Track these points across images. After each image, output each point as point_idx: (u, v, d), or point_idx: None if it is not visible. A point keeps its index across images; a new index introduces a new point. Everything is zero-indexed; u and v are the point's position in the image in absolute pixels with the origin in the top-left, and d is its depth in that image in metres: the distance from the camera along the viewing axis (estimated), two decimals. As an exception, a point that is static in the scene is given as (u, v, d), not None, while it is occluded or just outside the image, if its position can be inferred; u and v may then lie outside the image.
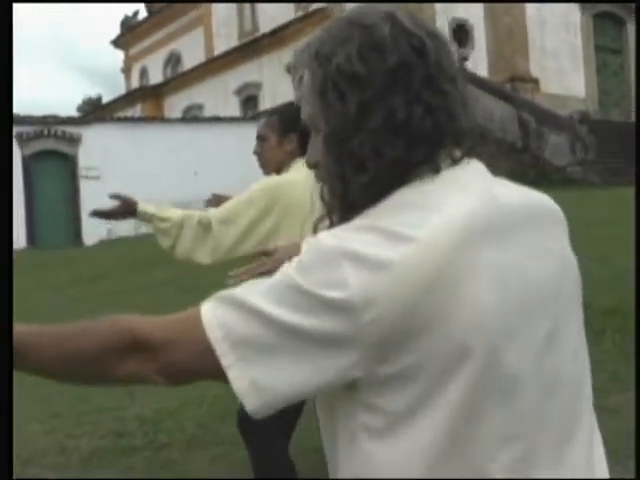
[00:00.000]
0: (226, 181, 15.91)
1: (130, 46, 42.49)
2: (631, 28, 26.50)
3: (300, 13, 28.43)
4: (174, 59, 38.97)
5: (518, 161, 18.26)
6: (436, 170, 1.24)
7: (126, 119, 26.97)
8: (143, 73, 41.69)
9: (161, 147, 23.68)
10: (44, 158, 22.85)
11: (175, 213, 3.45)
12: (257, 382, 1.17)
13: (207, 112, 31.21)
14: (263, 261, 1.72)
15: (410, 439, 1.17)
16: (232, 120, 25.90)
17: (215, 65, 32.63)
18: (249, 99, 31.28)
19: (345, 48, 1.24)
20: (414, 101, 1.23)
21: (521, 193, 1.30)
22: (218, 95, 32.06)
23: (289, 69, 28.44)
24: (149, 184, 20.71)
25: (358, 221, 1.22)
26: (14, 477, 4.46)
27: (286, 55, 28.13)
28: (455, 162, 1.26)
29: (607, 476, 1.32)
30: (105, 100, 42.55)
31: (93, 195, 22.33)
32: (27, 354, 1.24)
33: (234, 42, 33.14)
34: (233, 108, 30.95)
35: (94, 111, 40.14)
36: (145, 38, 40.45)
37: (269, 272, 1.28)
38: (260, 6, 32.52)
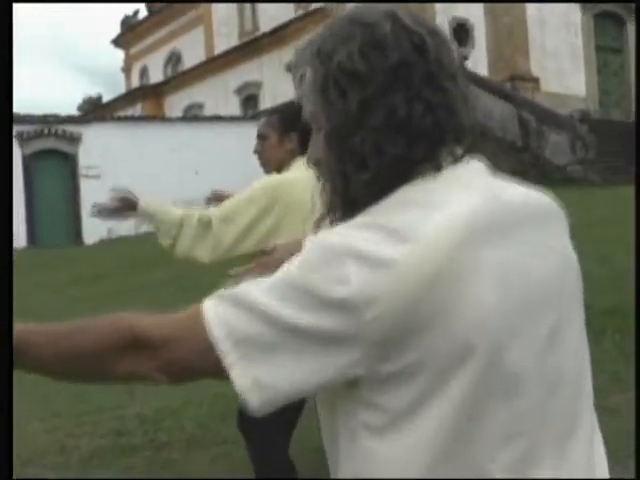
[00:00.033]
0: (227, 180, 15.89)
1: (130, 45, 42.49)
2: (632, 28, 26.49)
3: (300, 12, 28.43)
4: (174, 58, 38.98)
5: (518, 160, 18.25)
6: (438, 168, 1.24)
7: (126, 118, 26.97)
8: (143, 72, 41.69)
9: (161, 146, 23.68)
10: (44, 157, 22.86)
11: (175, 211, 3.45)
12: (259, 380, 1.17)
13: (207, 111, 31.21)
14: (262, 260, 1.72)
15: (411, 437, 1.17)
16: (232, 119, 25.90)
17: (215, 64, 32.63)
18: (249, 98, 31.28)
19: (347, 46, 1.25)
20: (415, 99, 1.23)
21: (522, 191, 1.30)
22: (218, 94, 32.06)
23: (289, 68, 28.44)
24: (149, 183, 20.69)
25: (360, 219, 1.22)
26: (14, 477, 4.45)
27: (286, 54, 28.13)
28: (456, 160, 1.26)
29: (607, 475, 1.32)
30: (105, 99, 42.63)
31: (93, 194, 22.35)
32: (25, 352, 1.24)
33: (234, 41, 33.14)
34: (233, 107, 30.96)
35: (94, 110, 40.15)
36: (145, 37, 40.45)
37: (269, 271, 1.28)
38: (260, 5, 32.53)
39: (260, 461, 3.44)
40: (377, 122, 1.23)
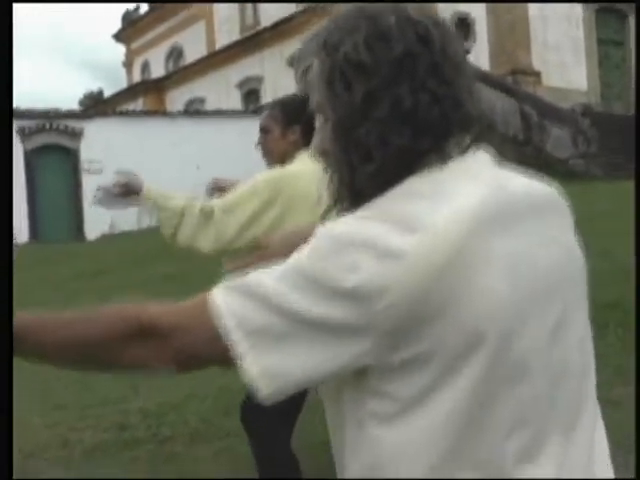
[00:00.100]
0: (228, 174, 15.84)
1: (132, 40, 42.45)
2: (633, 21, 26.43)
3: (301, 7, 28.38)
4: (176, 53, 38.94)
5: (520, 154, 18.24)
6: (445, 159, 1.25)
7: (128, 113, 26.97)
8: (145, 67, 41.65)
9: (163, 141, 23.67)
10: (46, 152, 22.85)
11: (178, 200, 3.43)
12: (269, 369, 1.18)
13: (209, 106, 31.18)
14: (257, 252, 1.71)
15: (422, 425, 1.18)
16: (234, 114, 25.87)
17: (217, 59, 32.60)
18: (251, 93, 31.25)
19: (352, 37, 1.26)
20: (420, 90, 1.24)
21: (527, 182, 1.31)
22: (220, 89, 32.04)
23: (291, 63, 28.42)
24: (151, 178, 20.50)
25: (368, 209, 1.22)
26: (16, 472, 4.46)
27: (288, 49, 28.10)
28: (463, 151, 1.27)
29: (610, 465, 1.33)
30: (107, 94, 42.65)
31: (95, 189, 22.33)
32: (26, 338, 1.25)
33: (236, 36, 33.11)
34: (235, 102, 30.93)
35: (96, 105, 40.11)
36: (147, 32, 40.41)
37: (264, 264, 1.28)
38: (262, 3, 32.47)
39: (263, 456, 3.45)
40: (382, 113, 1.24)
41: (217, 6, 34.95)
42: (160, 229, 3.50)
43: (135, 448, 5.20)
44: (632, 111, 24.18)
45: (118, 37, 43.70)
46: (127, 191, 3.48)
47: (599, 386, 1.35)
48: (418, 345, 1.15)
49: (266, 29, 29.95)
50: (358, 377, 1.21)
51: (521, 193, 1.27)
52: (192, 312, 1.24)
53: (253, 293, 1.20)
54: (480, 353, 1.15)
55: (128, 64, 43.60)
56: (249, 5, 33.52)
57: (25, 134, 22.43)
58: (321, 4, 25.45)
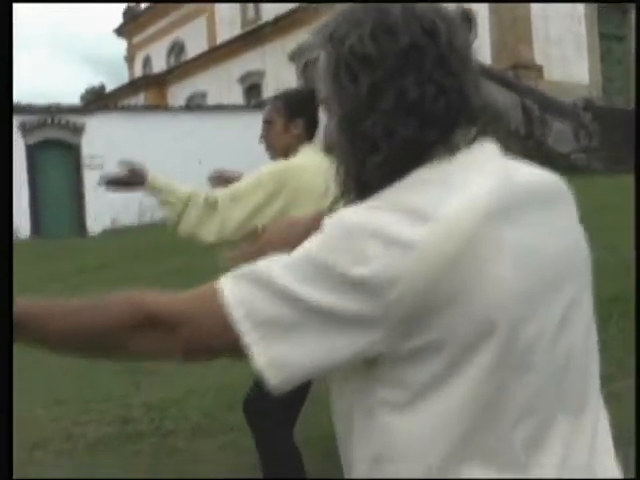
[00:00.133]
0: (230, 169, 15.89)
1: (133, 35, 42.39)
2: (634, 16, 26.36)
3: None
4: (177, 48, 38.89)
5: (522, 148, 18.22)
6: (452, 150, 1.26)
7: (129, 108, 26.95)
8: (146, 62, 41.60)
9: (165, 136, 23.64)
10: (48, 147, 22.84)
11: (182, 189, 3.43)
12: (278, 359, 1.18)
13: (210, 100, 31.16)
14: (254, 243, 1.69)
15: (432, 412, 1.19)
16: (236, 108, 25.85)
17: (218, 53, 32.55)
18: (252, 87, 31.21)
19: (358, 30, 1.27)
20: (426, 81, 1.24)
21: (533, 173, 1.32)
22: (221, 83, 32.00)
23: (292, 57, 28.40)
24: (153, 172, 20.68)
25: (379, 199, 1.23)
26: (21, 464, 4.45)
27: (289, 43, 28.07)
28: (470, 142, 1.28)
29: (613, 456, 1.34)
30: (108, 89, 42.56)
31: (97, 185, 22.32)
32: (30, 325, 1.24)
33: (237, 30, 33.05)
34: (236, 96, 30.89)
35: (97, 100, 40.08)
36: (148, 27, 40.35)
37: (261, 254, 1.29)
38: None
39: (266, 449, 3.46)
40: (388, 105, 1.25)
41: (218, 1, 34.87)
42: (163, 215, 3.50)
43: (138, 442, 5.22)
44: (632, 105, 24.14)
45: (119, 32, 43.64)
46: (132, 177, 3.48)
47: (602, 379, 1.36)
48: (429, 334, 1.16)
49: (267, 23, 29.90)
50: (368, 366, 1.22)
51: (528, 184, 1.28)
52: (200, 302, 1.24)
53: (262, 282, 1.20)
54: (491, 342, 1.16)
55: (130, 59, 43.54)
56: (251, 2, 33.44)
57: (26, 129, 22.41)
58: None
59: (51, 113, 23.06)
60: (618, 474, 1.33)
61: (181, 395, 6.09)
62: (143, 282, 1.33)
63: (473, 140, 1.28)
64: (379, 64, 1.25)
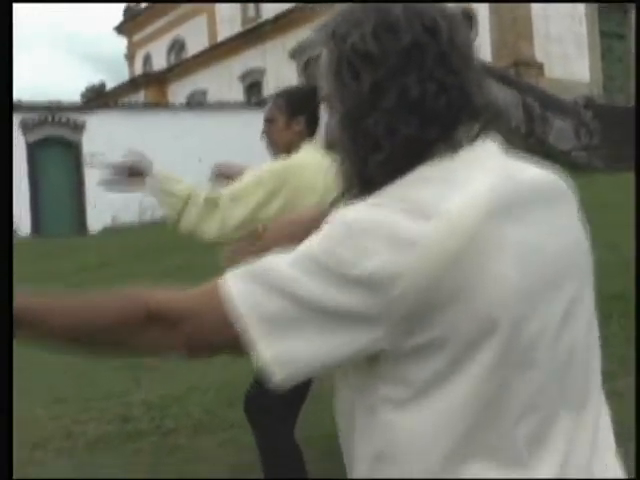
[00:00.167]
0: (230, 168, 15.88)
1: (133, 33, 42.39)
2: (634, 14, 26.34)
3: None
4: (178, 45, 38.89)
5: (523, 145, 18.21)
6: (454, 148, 1.26)
7: (130, 106, 26.98)
8: (147, 59, 41.60)
9: (165, 134, 23.64)
10: (48, 145, 22.85)
11: (184, 187, 3.40)
12: (282, 355, 1.19)
13: (211, 98, 31.15)
14: (255, 241, 1.68)
15: (435, 409, 1.19)
16: (236, 106, 25.85)
17: (219, 51, 32.56)
18: (253, 85, 31.23)
19: (360, 28, 1.27)
20: (427, 80, 1.24)
21: (534, 171, 1.32)
22: (222, 81, 32.01)
23: (293, 55, 28.40)
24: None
25: (381, 196, 1.23)
26: (21, 463, 4.45)
27: (290, 41, 28.08)
28: (472, 140, 1.28)
29: (614, 452, 1.34)
30: (109, 87, 42.51)
31: (97, 183, 22.32)
32: (30, 321, 1.24)
33: (237, 28, 33.05)
34: (237, 94, 30.90)
35: (98, 98, 40.07)
36: (148, 25, 40.35)
37: (261, 252, 1.29)
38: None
39: (266, 446, 3.46)
40: (390, 103, 1.25)
41: (219, -1, 34.89)
42: (165, 215, 3.49)
43: (138, 440, 5.22)
44: (632, 103, 24.13)
45: (120, 30, 43.64)
46: (135, 169, 3.47)
47: (604, 376, 1.36)
48: (432, 331, 1.16)
49: (268, 21, 29.91)
50: (370, 363, 1.22)
51: (529, 182, 1.28)
52: (203, 298, 1.24)
53: (265, 279, 1.20)
54: (493, 339, 1.16)
55: (130, 57, 43.54)
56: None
57: (27, 127, 22.43)
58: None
59: (52, 111, 23.07)
60: (619, 470, 1.33)
61: (182, 392, 6.10)
62: (143, 280, 1.32)
63: (475, 137, 1.28)
64: (381, 62, 1.25)
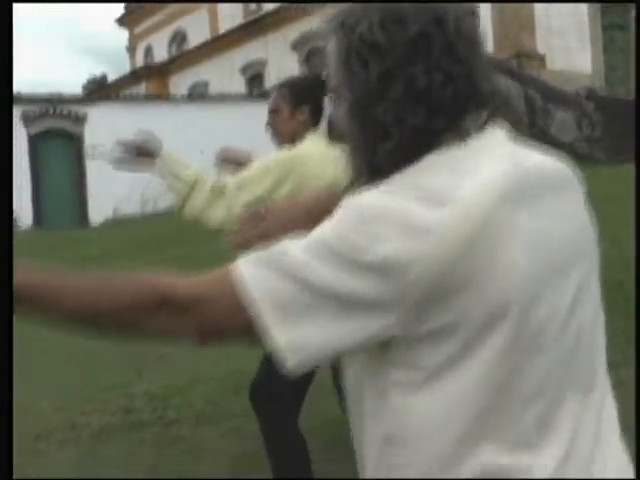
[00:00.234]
0: (232, 159, 15.87)
1: (135, 24, 42.29)
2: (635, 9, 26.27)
3: None
4: (179, 37, 38.81)
5: (524, 137, 18.14)
6: (462, 137, 1.27)
7: (131, 98, 26.95)
8: (148, 51, 41.51)
9: (167, 125, 23.54)
10: (50, 137, 22.84)
11: (191, 172, 3.41)
12: (294, 341, 1.19)
13: (212, 90, 31.09)
14: (258, 222, 1.65)
15: (446, 393, 1.20)
16: (238, 98, 25.82)
17: (220, 43, 32.49)
18: (255, 77, 31.17)
19: (368, 19, 1.28)
20: (434, 69, 1.26)
21: (542, 159, 1.33)
22: (224, 73, 31.95)
23: (294, 46, 28.35)
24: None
25: (393, 183, 1.24)
26: (26, 453, 4.47)
27: (291, 33, 28.03)
28: (480, 128, 1.29)
29: (618, 433, 1.36)
30: (110, 79, 42.51)
31: (99, 174, 22.33)
32: (38, 297, 1.24)
33: (239, 20, 32.98)
34: (239, 86, 30.85)
35: (99, 90, 40.02)
36: (150, 16, 40.25)
37: (264, 236, 1.29)
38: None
39: (271, 434, 3.48)
40: (397, 94, 1.27)
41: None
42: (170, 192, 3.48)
43: (142, 430, 5.24)
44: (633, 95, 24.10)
45: (121, 22, 43.56)
46: (145, 149, 3.46)
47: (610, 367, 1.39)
48: (444, 316, 1.17)
49: (269, 13, 29.84)
50: (382, 348, 1.23)
51: (537, 170, 1.29)
52: (216, 284, 1.25)
53: (278, 265, 1.20)
54: (503, 324, 1.17)
55: (131, 49, 43.46)
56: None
57: (29, 119, 22.41)
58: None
59: (53, 103, 23.05)
60: (622, 451, 1.35)
61: (184, 383, 6.12)
62: (149, 269, 1.32)
63: (483, 126, 1.30)
64: (388, 52, 1.27)
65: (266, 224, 1.64)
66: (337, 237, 1.19)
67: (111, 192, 22.08)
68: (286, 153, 3.46)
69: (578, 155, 18.25)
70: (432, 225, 1.15)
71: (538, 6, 25.06)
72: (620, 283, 6.39)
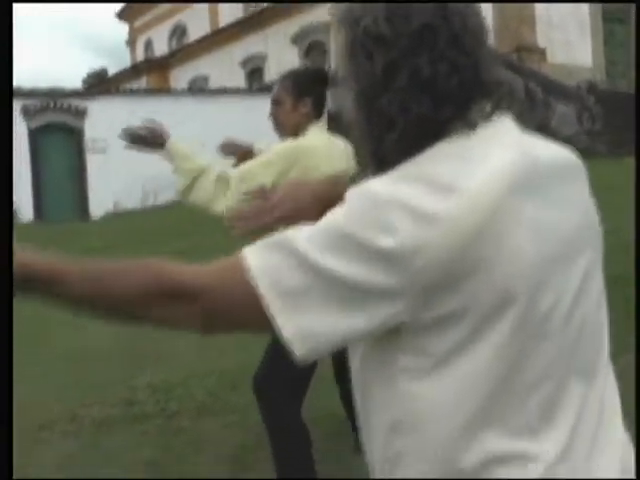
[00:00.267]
0: (232, 153, 15.85)
1: (135, 18, 42.24)
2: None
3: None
4: (179, 31, 38.76)
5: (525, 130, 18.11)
6: (470, 126, 1.28)
7: (132, 92, 26.88)
8: (148, 45, 41.47)
9: (167, 119, 23.28)
10: (50, 131, 22.80)
11: (198, 160, 3.43)
12: (304, 329, 1.20)
13: (213, 84, 31.05)
14: (262, 204, 1.63)
15: (454, 379, 1.21)
16: (238, 92, 25.78)
17: (220, 37, 32.44)
18: (255, 71, 31.13)
19: (373, 12, 1.30)
20: (438, 60, 1.27)
21: (549, 148, 1.36)
22: (224, 67, 31.91)
23: (294, 40, 28.31)
24: (155, 156, 20.61)
25: (402, 171, 1.25)
26: (28, 444, 4.49)
27: (291, 26, 27.98)
28: (487, 117, 1.30)
29: (620, 424, 1.38)
30: (110, 73, 42.40)
31: (100, 168, 22.33)
32: (46, 280, 1.24)
33: (239, 13, 32.94)
34: (239, 80, 30.81)
35: (99, 84, 39.97)
36: (150, 10, 40.19)
37: (267, 214, 1.30)
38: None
39: (275, 426, 3.49)
40: (402, 84, 1.28)
41: (220, -16, 34.73)
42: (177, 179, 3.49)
43: (144, 422, 5.25)
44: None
45: (121, 16, 43.49)
46: (153, 137, 3.47)
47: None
48: (452, 303, 1.18)
49: (269, 7, 29.79)
50: (390, 335, 1.24)
51: (544, 158, 1.31)
52: (224, 272, 1.25)
53: (286, 252, 1.21)
54: (510, 311, 1.19)
55: (131, 42, 43.42)
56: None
57: (29, 113, 22.38)
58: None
59: (53, 97, 23.01)
60: (625, 434, 1.37)
61: (186, 376, 6.12)
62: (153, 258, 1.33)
63: (490, 115, 1.31)
64: (393, 44, 1.28)
65: (271, 203, 1.64)
66: (347, 224, 1.20)
67: (112, 186, 22.08)
68: (290, 144, 3.47)
69: (578, 148, 18.02)
70: (441, 213, 1.16)
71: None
72: (619, 270, 6.41)
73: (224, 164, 3.66)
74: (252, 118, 16.56)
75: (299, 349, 1.20)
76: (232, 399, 5.39)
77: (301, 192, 1.64)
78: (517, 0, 23.91)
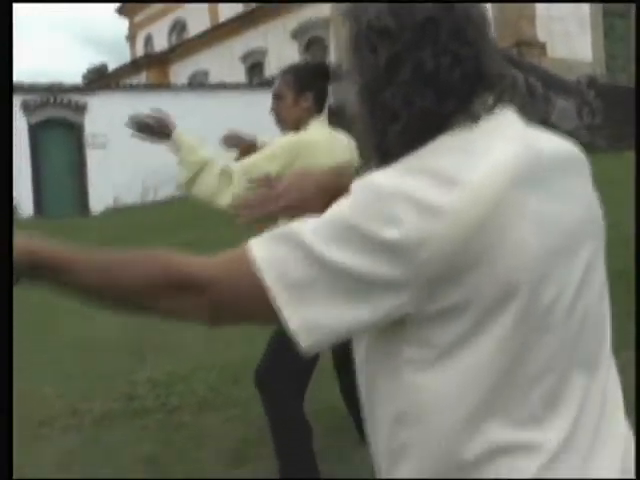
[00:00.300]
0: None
1: (135, 13, 42.18)
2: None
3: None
4: (179, 26, 38.71)
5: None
6: (473, 119, 1.29)
7: (132, 87, 26.86)
8: (148, 40, 41.42)
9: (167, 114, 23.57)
10: (50, 126, 22.80)
11: (203, 153, 3.42)
12: (310, 321, 1.20)
13: (212, 79, 31.03)
14: (268, 193, 1.63)
15: (458, 370, 1.22)
16: (238, 87, 25.77)
17: (220, 32, 32.40)
18: (255, 66, 31.10)
19: (376, 6, 1.31)
20: (442, 53, 1.27)
21: (552, 140, 1.36)
22: (224, 62, 31.87)
23: (294, 35, 28.28)
24: (155, 151, 20.63)
25: (406, 163, 1.25)
26: (28, 439, 4.50)
27: (291, 21, 27.96)
28: (489, 110, 1.31)
29: (622, 416, 1.38)
30: (110, 68, 42.36)
31: (100, 163, 22.32)
32: (49, 265, 1.25)
33: (239, 8, 32.89)
34: (239, 74, 30.78)
35: (99, 79, 39.94)
36: (150, 5, 40.13)
37: (273, 202, 1.31)
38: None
39: (277, 419, 3.49)
40: (405, 77, 1.29)
41: (220, -22, 34.68)
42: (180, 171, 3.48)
43: (145, 417, 5.26)
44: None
45: (121, 11, 43.44)
46: (159, 127, 3.46)
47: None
48: (455, 295, 1.19)
49: (269, 2, 29.74)
50: (394, 327, 1.24)
51: (548, 151, 1.31)
52: (231, 264, 1.26)
53: (292, 244, 1.22)
54: (513, 303, 1.19)
55: (131, 38, 43.36)
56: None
57: (29, 108, 22.37)
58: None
59: (53, 92, 23.00)
60: (627, 427, 1.38)
61: (186, 371, 6.12)
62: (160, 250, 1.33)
63: (492, 108, 1.31)
64: (396, 38, 1.29)
65: (276, 192, 1.65)
66: (352, 216, 1.20)
67: (112, 181, 22.07)
68: (292, 139, 3.47)
69: (579, 143, 18.19)
70: (444, 205, 1.17)
71: (538, -7, 24.97)
72: (620, 264, 6.42)
73: (227, 157, 3.66)
74: (252, 113, 16.55)
75: (305, 341, 1.21)
76: (234, 393, 5.40)
77: (306, 182, 1.65)
78: (517, 0, 23.89)
